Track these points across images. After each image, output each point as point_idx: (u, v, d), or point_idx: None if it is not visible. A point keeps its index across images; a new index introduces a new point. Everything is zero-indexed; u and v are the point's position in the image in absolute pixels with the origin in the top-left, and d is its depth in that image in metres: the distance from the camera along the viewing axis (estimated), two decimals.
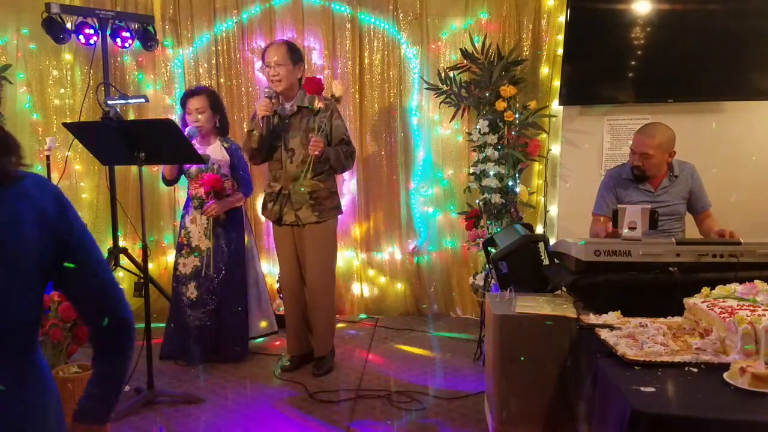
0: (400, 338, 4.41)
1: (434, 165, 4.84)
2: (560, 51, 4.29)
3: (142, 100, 4.06)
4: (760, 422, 1.55)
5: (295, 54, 3.63)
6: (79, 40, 4.43)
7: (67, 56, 4.87)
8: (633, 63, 4.13)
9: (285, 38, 4.48)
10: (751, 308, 1.98)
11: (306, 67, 4.00)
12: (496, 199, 4.25)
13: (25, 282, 1.18)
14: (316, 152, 3.50)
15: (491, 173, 4.25)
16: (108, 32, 4.48)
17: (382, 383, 3.61)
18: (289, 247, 3.78)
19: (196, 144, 3.76)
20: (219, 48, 4.83)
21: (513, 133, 4.29)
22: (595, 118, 4.34)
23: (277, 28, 4.77)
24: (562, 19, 4.32)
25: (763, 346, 1.78)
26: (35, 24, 4.50)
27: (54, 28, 4.29)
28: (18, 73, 4.82)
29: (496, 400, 2.50)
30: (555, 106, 4.46)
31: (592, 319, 2.28)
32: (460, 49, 4.42)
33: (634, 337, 2.04)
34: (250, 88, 4.84)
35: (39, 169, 4.82)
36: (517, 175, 4.34)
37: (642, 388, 1.70)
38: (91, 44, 4.48)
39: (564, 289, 2.74)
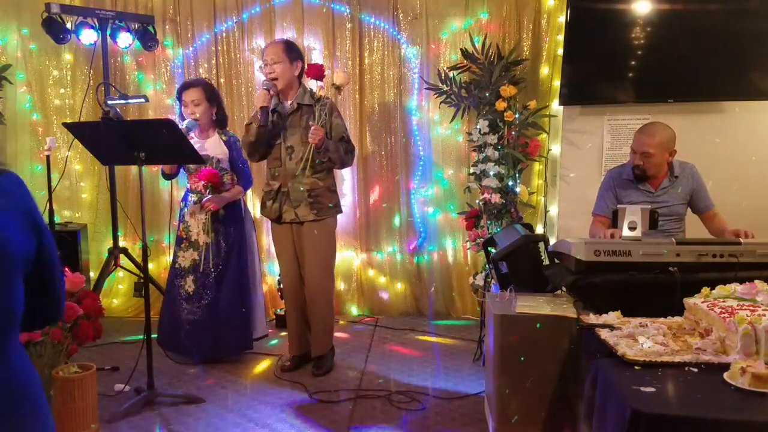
0: (400, 338, 4.41)
1: (434, 165, 4.84)
2: (560, 51, 4.29)
3: (142, 100, 4.06)
4: (760, 422, 1.55)
5: (292, 51, 3.62)
6: (79, 40, 4.43)
7: (67, 56, 4.88)
8: (633, 63, 4.13)
9: (284, 38, 4.48)
10: (751, 308, 1.98)
11: (306, 67, 3.99)
12: (496, 199, 4.25)
13: (9, 272, 1.23)
14: (316, 140, 3.49)
15: (491, 173, 4.25)
16: (108, 32, 4.48)
17: (382, 383, 3.61)
18: (288, 246, 3.76)
19: (194, 137, 3.75)
20: (219, 48, 4.82)
21: (513, 133, 4.29)
22: (595, 118, 4.34)
23: (278, 28, 4.78)
24: (562, 19, 4.32)
25: (763, 346, 1.78)
26: (35, 24, 4.50)
27: (54, 28, 4.28)
28: (18, 73, 4.83)
29: (496, 400, 2.50)
30: (555, 106, 4.46)
31: (592, 319, 2.27)
32: (460, 49, 4.43)
33: (634, 337, 2.04)
34: (251, 88, 4.84)
35: (39, 169, 4.83)
36: (517, 175, 4.34)
37: (642, 388, 1.69)
38: (91, 44, 4.48)
39: (564, 289, 2.73)
